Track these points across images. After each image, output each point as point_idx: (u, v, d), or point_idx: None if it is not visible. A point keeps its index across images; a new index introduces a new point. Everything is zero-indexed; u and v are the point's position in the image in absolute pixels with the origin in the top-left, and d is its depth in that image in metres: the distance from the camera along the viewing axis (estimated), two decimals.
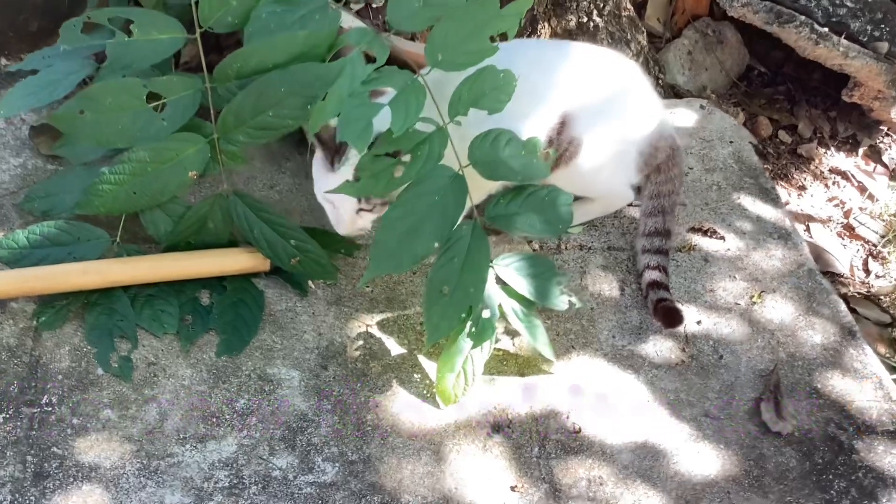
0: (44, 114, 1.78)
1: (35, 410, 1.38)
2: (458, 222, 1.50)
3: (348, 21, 1.72)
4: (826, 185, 2.50)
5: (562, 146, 1.69)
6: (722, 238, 1.94)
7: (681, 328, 1.71)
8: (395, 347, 1.61)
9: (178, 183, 1.54)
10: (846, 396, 1.69)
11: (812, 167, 2.53)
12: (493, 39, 1.52)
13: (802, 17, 2.23)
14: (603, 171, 1.76)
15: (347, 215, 1.55)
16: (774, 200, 2.07)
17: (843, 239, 2.36)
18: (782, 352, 1.75)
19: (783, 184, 2.45)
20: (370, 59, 1.49)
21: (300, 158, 1.89)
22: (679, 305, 1.72)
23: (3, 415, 1.36)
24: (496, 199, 1.56)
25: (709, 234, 1.95)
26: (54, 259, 1.52)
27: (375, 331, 1.63)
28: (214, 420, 1.44)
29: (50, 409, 1.39)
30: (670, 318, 1.68)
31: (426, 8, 1.56)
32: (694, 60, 2.56)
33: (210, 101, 1.53)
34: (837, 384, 1.70)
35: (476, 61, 1.53)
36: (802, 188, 2.47)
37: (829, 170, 2.54)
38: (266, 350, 1.54)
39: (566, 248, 1.87)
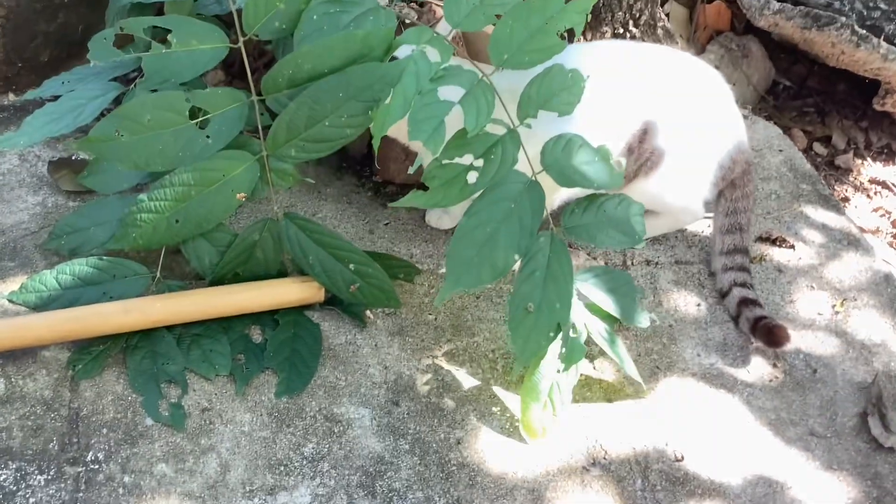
0: (60, 149, 1.63)
1: (80, 469, 1.20)
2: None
3: None
4: (868, 196, 2.41)
5: (643, 156, 1.57)
6: (792, 247, 1.82)
7: (787, 346, 1.56)
8: (467, 379, 1.45)
9: (225, 207, 1.38)
10: None
11: (852, 178, 2.44)
12: (562, 35, 1.41)
13: (843, 19, 2.15)
14: (682, 185, 1.64)
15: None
16: (836, 207, 1.96)
17: (894, 249, 2.25)
18: (877, 362, 1.62)
19: None
20: None
21: (340, 184, 1.75)
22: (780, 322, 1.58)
23: (45, 476, 1.18)
24: (570, 208, 1.43)
25: (778, 242, 1.82)
26: (88, 300, 1.36)
27: (444, 362, 1.47)
28: (282, 468, 1.26)
29: (97, 466, 1.21)
30: (775, 336, 1.54)
31: (484, 6, 1.44)
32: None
33: (257, 115, 1.39)
34: None
35: (545, 58, 1.42)
36: (846, 200, 2.37)
37: (870, 180, 2.44)
38: (330, 388, 1.38)
39: (632, 263, 1.73)
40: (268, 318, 1.44)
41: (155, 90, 1.37)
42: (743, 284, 1.63)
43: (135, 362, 1.32)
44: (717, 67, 2.46)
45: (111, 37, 1.36)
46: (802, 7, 2.21)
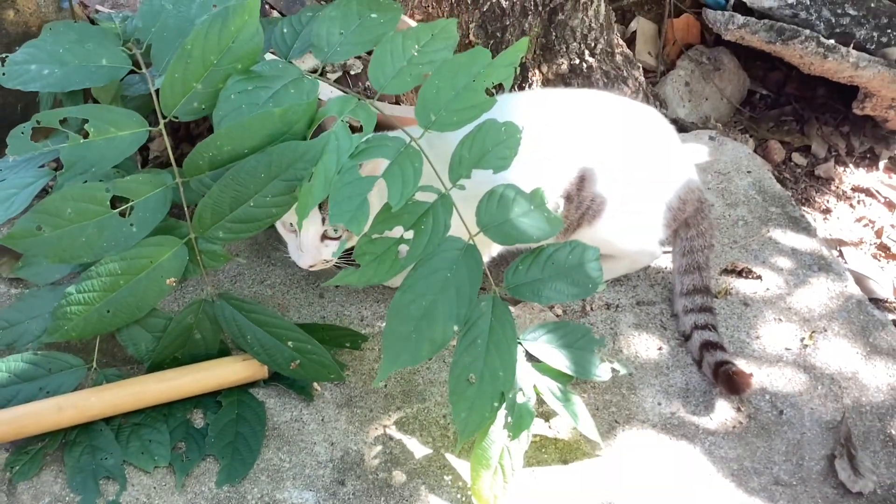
0: (3, 233, 1.62)
1: None
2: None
3: (326, 92, 1.57)
4: (851, 205, 2.34)
5: (583, 204, 1.53)
6: (759, 277, 1.77)
7: (748, 392, 1.52)
8: (418, 448, 1.42)
9: (156, 294, 1.36)
10: None
11: (833, 187, 2.38)
12: (490, 92, 1.37)
13: (807, 32, 2.09)
14: (631, 229, 1.60)
15: (311, 243, 1.38)
16: (807, 229, 1.90)
17: (878, 260, 2.19)
18: (847, 398, 1.57)
19: (806, 209, 2.29)
20: (355, 129, 1.34)
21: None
22: (742, 368, 1.53)
23: None
24: (514, 265, 1.38)
25: (744, 274, 1.77)
26: (24, 397, 1.34)
27: (394, 431, 1.44)
28: None
29: None
30: (735, 384, 1.49)
31: (411, 67, 1.41)
32: (693, 91, 2.42)
33: (183, 198, 1.37)
34: None
35: (473, 117, 1.38)
36: (827, 211, 2.31)
37: (852, 188, 2.38)
38: (273, 471, 1.35)
39: (591, 308, 1.69)
40: (210, 400, 1.42)
41: (85, 179, 1.35)
42: (705, 327, 1.59)
43: (73, 459, 1.31)
44: (687, 83, 2.43)
45: (28, 130, 1.34)
46: (766, 21, 2.15)
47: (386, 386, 1.50)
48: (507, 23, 1.91)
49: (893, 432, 1.51)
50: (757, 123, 2.51)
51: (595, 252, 1.39)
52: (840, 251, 2.17)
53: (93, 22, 1.83)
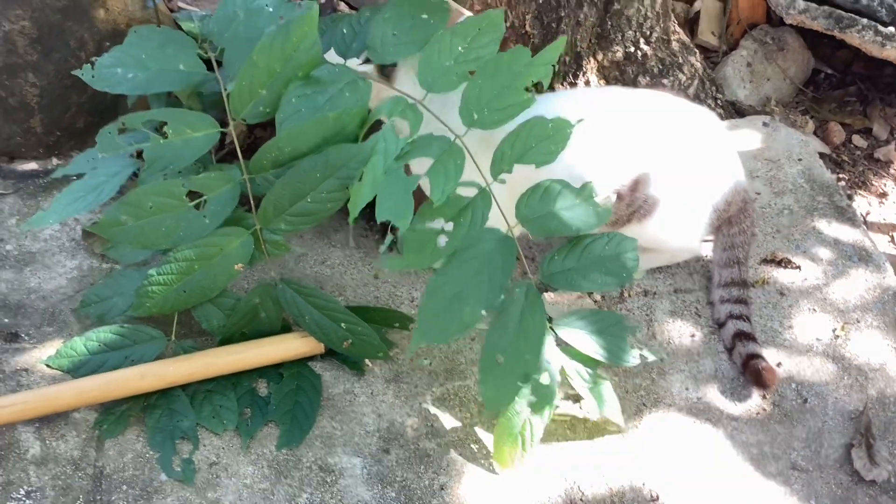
0: (97, 212, 1.81)
1: None
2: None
3: None
4: None
5: (635, 203, 1.62)
6: (798, 268, 1.84)
7: (773, 387, 1.61)
8: (455, 423, 1.56)
9: (226, 277, 1.53)
10: None
11: (892, 171, 2.38)
12: (529, 90, 1.47)
13: (864, 21, 2.10)
14: (678, 228, 1.69)
15: None
16: (851, 219, 1.95)
17: None
18: (872, 389, 1.64)
19: (862, 192, 2.31)
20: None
21: (349, 228, 1.87)
22: (773, 365, 1.62)
23: None
24: (551, 255, 1.49)
25: (783, 264, 1.84)
26: (113, 364, 1.53)
27: (435, 407, 1.58)
28: None
29: None
30: (762, 379, 1.59)
31: (457, 65, 1.51)
32: (754, 72, 2.45)
33: (249, 192, 1.52)
34: None
35: (512, 116, 1.48)
36: (884, 195, 2.33)
37: None
38: (326, 438, 1.52)
39: (630, 295, 1.79)
40: (273, 371, 1.58)
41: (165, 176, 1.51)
42: (739, 317, 1.67)
43: (153, 420, 1.49)
44: (749, 64, 2.46)
45: (115, 130, 1.50)
46: (826, 7, 2.17)
47: (431, 364, 1.64)
48: (563, 14, 1.99)
49: None
50: (819, 104, 2.52)
51: (633, 243, 1.47)
52: (892, 236, 2.20)
53: (173, 11, 1.99)
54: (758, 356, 1.61)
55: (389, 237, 1.42)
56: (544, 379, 1.46)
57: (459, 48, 1.52)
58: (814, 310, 1.76)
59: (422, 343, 1.41)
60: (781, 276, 1.82)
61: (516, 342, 1.42)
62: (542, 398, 1.46)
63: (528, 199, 1.47)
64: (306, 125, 1.43)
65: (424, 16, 1.58)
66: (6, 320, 1.64)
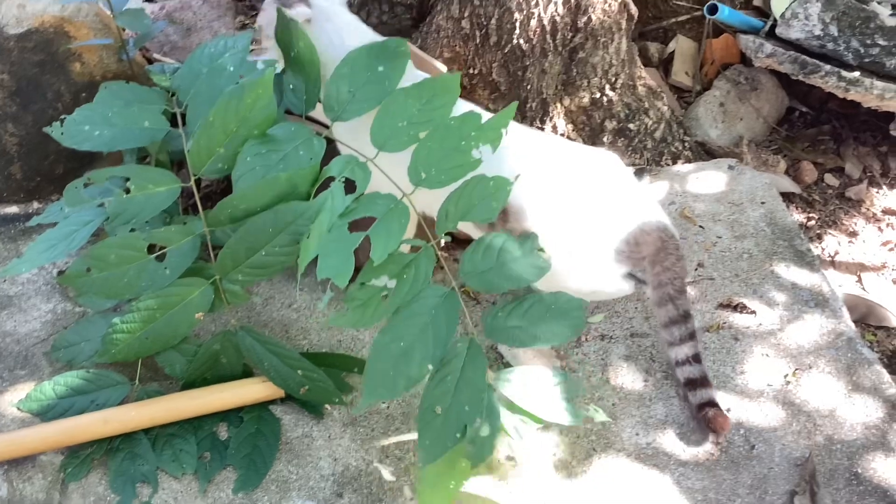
0: (74, 255, 1.87)
1: None
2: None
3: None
4: (880, 229, 2.38)
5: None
6: (753, 313, 1.87)
7: (725, 433, 1.65)
8: (409, 467, 1.61)
9: (187, 325, 1.59)
10: (890, 480, 1.60)
11: (863, 209, 2.42)
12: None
13: (827, 67, 2.14)
14: (571, 269, 1.66)
15: None
16: (811, 264, 1.98)
17: None
18: (819, 435, 1.67)
19: (833, 231, 2.34)
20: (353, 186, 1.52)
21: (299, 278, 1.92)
22: (724, 412, 1.65)
23: None
24: (494, 311, 1.53)
25: (738, 309, 1.88)
26: (79, 408, 1.59)
27: (390, 451, 1.63)
28: None
29: None
30: (713, 426, 1.63)
31: (410, 126, 1.57)
32: (727, 111, 2.49)
33: (209, 244, 1.58)
34: (880, 467, 1.62)
35: (458, 177, 1.53)
36: (853, 234, 2.36)
37: (883, 210, 2.41)
38: (282, 482, 1.57)
39: (586, 339, 1.84)
40: (234, 415, 1.64)
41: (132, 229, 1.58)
42: (687, 361, 1.69)
43: (115, 464, 1.55)
44: (721, 104, 2.51)
45: (80, 185, 1.57)
46: (791, 53, 2.21)
47: (388, 407, 1.70)
48: (528, 62, 2.04)
49: (859, 471, 1.61)
50: (792, 143, 2.56)
51: (579, 303, 1.50)
52: (859, 276, 2.23)
53: (150, 62, 2.06)
54: (709, 404, 1.65)
55: (329, 293, 1.48)
56: (484, 430, 1.49)
57: (414, 109, 1.58)
58: (767, 355, 1.80)
59: (371, 400, 1.45)
60: (737, 320, 1.86)
61: (456, 395, 1.45)
62: (480, 450, 1.47)
63: (472, 254, 1.51)
64: (260, 184, 1.49)
65: (381, 68, 1.63)
66: None
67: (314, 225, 1.46)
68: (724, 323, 1.86)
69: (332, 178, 1.54)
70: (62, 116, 1.61)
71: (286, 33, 1.65)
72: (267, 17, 1.73)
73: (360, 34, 1.73)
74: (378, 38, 1.73)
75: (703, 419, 1.64)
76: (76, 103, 1.87)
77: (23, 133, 1.88)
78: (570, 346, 1.82)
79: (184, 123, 1.66)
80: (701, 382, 1.68)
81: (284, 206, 1.49)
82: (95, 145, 1.59)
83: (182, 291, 1.57)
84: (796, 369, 1.78)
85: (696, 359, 1.69)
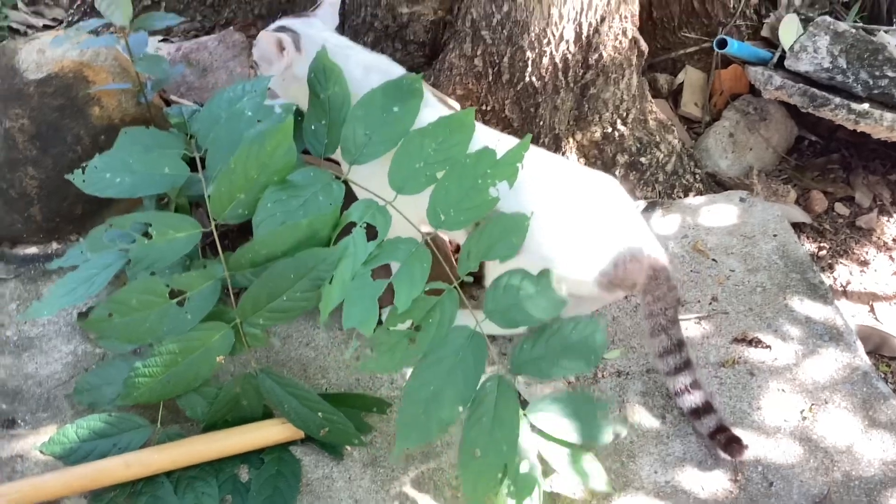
0: (95, 296, 1.89)
1: None
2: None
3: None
4: (891, 258, 2.39)
5: None
6: (768, 347, 1.88)
7: (744, 456, 1.67)
8: None
9: (208, 368, 1.60)
10: None
11: (874, 238, 2.42)
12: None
13: (837, 100, 2.16)
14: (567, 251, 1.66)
15: None
16: (824, 297, 2.00)
17: None
18: (837, 472, 1.67)
19: (844, 261, 2.35)
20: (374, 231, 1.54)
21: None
22: (737, 436, 1.67)
23: None
24: (520, 344, 1.56)
25: (753, 344, 1.89)
26: (101, 451, 1.60)
27: (411, 491, 1.64)
28: None
29: None
30: (731, 450, 1.66)
31: (427, 167, 1.58)
32: (737, 142, 2.50)
33: (230, 287, 1.60)
34: None
35: (478, 216, 1.56)
36: (865, 263, 2.37)
37: (893, 239, 2.42)
38: None
39: (603, 375, 1.85)
40: (255, 456, 1.65)
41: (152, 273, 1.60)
42: (686, 389, 1.70)
43: None
44: (731, 134, 2.52)
45: (102, 232, 1.59)
46: (801, 86, 2.23)
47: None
48: (540, 99, 2.06)
49: None
50: (802, 172, 2.57)
51: (599, 325, 1.53)
52: (871, 306, 2.24)
53: (168, 103, 2.09)
54: (719, 430, 1.67)
55: (355, 343, 1.49)
56: (524, 467, 1.50)
57: (430, 150, 1.60)
58: (782, 390, 1.81)
59: (405, 447, 1.47)
60: (752, 355, 1.87)
61: (492, 434, 1.47)
62: (522, 488, 1.49)
63: (493, 292, 1.54)
64: (281, 230, 1.51)
65: (395, 109, 1.65)
66: (4, 406, 1.72)
67: (336, 272, 1.48)
68: (740, 358, 1.86)
69: (353, 224, 1.56)
70: (83, 164, 1.63)
71: (322, 75, 1.67)
72: (259, 52, 1.77)
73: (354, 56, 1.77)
74: (370, 54, 1.78)
75: (719, 446, 1.66)
76: (95, 146, 1.90)
77: (43, 176, 1.90)
78: (587, 383, 1.83)
79: (202, 167, 1.69)
80: (704, 409, 1.70)
81: (306, 253, 1.50)
82: (117, 192, 1.61)
83: (203, 335, 1.58)
84: (812, 405, 1.78)
85: (695, 385, 1.71)
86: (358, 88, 1.68)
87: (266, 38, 1.71)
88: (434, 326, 1.50)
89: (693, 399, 1.70)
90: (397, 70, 1.78)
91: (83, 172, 1.62)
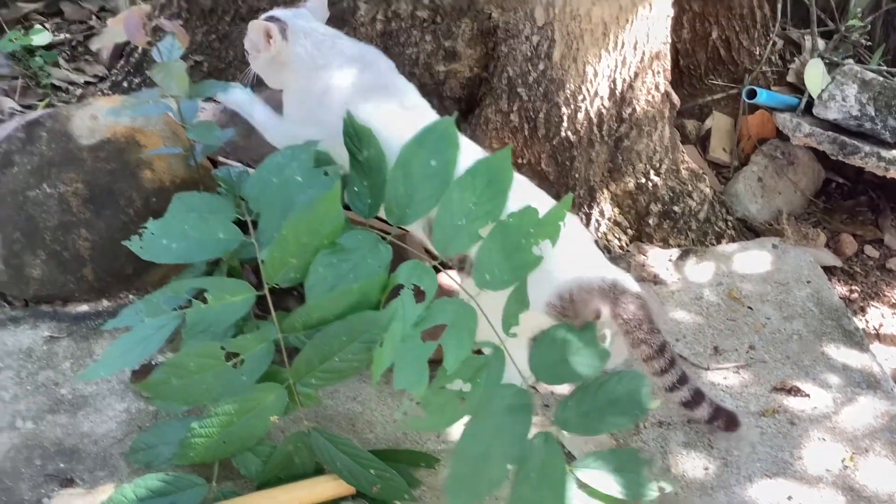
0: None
1: None
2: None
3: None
4: None
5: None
6: (807, 396, 1.91)
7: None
8: None
9: (263, 428, 1.64)
10: None
11: None
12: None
13: (867, 148, 2.20)
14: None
15: None
16: (860, 344, 2.02)
17: None
18: None
19: (876, 303, 2.38)
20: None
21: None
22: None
23: None
24: (564, 401, 1.59)
25: (793, 392, 1.92)
26: None
27: None
28: None
29: None
30: (730, 427, 1.81)
31: (470, 223, 1.62)
32: (766, 186, 2.54)
33: (283, 349, 1.65)
34: None
35: (522, 276, 1.59)
36: (895, 306, 2.40)
37: None
38: None
39: (644, 426, 1.88)
40: None
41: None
42: (674, 386, 1.74)
43: None
44: (759, 178, 2.56)
45: (159, 296, 1.64)
46: (830, 133, 2.27)
47: None
48: (576, 153, 2.11)
49: None
50: (830, 215, 2.61)
51: (644, 380, 1.57)
52: None
53: (215, 164, 2.15)
54: (714, 417, 1.81)
55: (406, 404, 1.53)
56: None
57: (470, 204, 1.64)
58: (823, 439, 1.83)
59: None
60: (792, 404, 1.90)
61: (540, 491, 1.50)
62: None
63: (539, 349, 1.58)
64: (333, 296, 1.56)
65: (433, 163, 1.69)
66: (62, 465, 1.77)
67: (387, 334, 1.52)
68: (780, 407, 1.89)
69: (401, 286, 1.60)
70: (136, 226, 1.69)
71: (356, 139, 1.73)
72: (249, 41, 1.84)
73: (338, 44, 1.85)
74: (357, 45, 1.87)
75: (720, 429, 1.80)
76: (147, 208, 1.96)
77: (95, 238, 1.96)
78: (629, 434, 1.86)
79: (254, 228, 1.74)
80: (695, 399, 1.76)
81: (357, 317, 1.55)
82: (174, 258, 1.67)
83: (258, 396, 1.63)
84: (853, 453, 1.81)
85: (683, 380, 1.75)
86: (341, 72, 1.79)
87: (255, 27, 1.80)
88: (483, 386, 1.54)
89: (683, 393, 1.75)
90: (383, 63, 1.87)
91: (140, 238, 1.68)
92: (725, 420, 1.81)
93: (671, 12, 2.07)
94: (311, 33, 1.82)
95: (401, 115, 1.80)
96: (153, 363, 1.95)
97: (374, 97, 1.80)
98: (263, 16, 1.87)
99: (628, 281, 1.73)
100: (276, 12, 1.87)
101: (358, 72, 1.80)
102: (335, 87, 1.80)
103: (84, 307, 2.08)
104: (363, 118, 1.75)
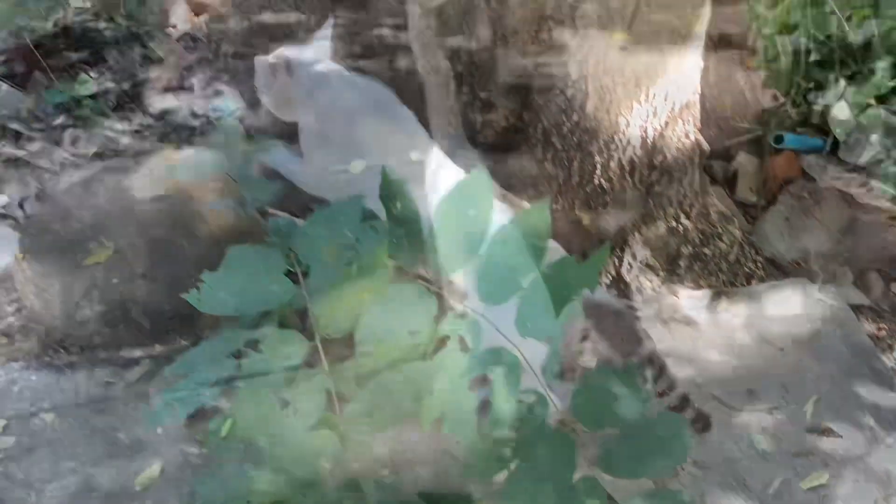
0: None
1: None
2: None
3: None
4: None
5: None
6: (840, 437, 1.96)
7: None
8: None
9: (315, 474, 1.72)
10: None
11: None
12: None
13: (893, 191, 2.26)
14: None
15: None
16: (890, 384, 2.07)
17: None
18: None
19: None
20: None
21: None
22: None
23: None
24: (607, 445, 1.64)
25: (826, 433, 1.97)
26: None
27: None
28: None
29: None
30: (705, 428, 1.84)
31: (511, 275, 1.69)
32: (793, 226, 2.60)
33: (335, 397, 1.72)
34: None
35: (560, 325, 1.66)
36: None
37: None
38: None
39: (682, 467, 1.93)
40: None
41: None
42: (665, 392, 1.81)
43: None
44: (787, 218, 2.61)
45: (198, 356, 1.72)
46: (857, 176, 2.33)
47: None
48: (608, 199, 2.18)
49: None
50: (857, 253, 2.65)
51: (683, 422, 1.63)
52: None
53: (263, 214, 2.24)
54: (698, 418, 1.84)
55: (453, 447, 1.60)
56: None
57: (513, 256, 1.71)
58: (857, 480, 1.88)
59: None
60: (825, 445, 1.95)
61: None
62: None
63: (581, 393, 1.64)
64: (383, 348, 1.63)
65: (471, 212, 1.76)
66: None
67: (436, 384, 1.59)
68: (814, 447, 1.94)
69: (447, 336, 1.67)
70: (192, 278, 1.77)
71: (390, 194, 1.81)
72: (256, 77, 1.96)
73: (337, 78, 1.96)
74: (358, 78, 2.00)
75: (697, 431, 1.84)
76: (201, 260, 2.03)
77: (151, 287, 2.05)
78: (663, 490, 1.91)
79: (304, 277, 1.82)
80: (681, 405, 1.82)
81: (407, 367, 1.62)
82: (231, 310, 1.75)
83: (312, 443, 1.70)
84: (888, 494, 1.85)
85: (671, 388, 1.81)
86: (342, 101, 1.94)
87: (260, 64, 1.90)
88: (526, 433, 1.60)
89: (670, 399, 1.81)
90: (384, 92, 2.00)
91: (198, 291, 1.76)
92: (703, 425, 1.84)
93: (702, 64, 2.15)
94: (314, 67, 1.93)
95: (401, 139, 1.92)
96: (207, 408, 2.03)
97: (375, 119, 1.91)
98: (272, 54, 1.99)
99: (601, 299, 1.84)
100: (283, 50, 1.99)
101: (360, 96, 1.91)
102: (339, 107, 1.93)
103: (138, 352, 2.17)
104: (365, 133, 1.86)
